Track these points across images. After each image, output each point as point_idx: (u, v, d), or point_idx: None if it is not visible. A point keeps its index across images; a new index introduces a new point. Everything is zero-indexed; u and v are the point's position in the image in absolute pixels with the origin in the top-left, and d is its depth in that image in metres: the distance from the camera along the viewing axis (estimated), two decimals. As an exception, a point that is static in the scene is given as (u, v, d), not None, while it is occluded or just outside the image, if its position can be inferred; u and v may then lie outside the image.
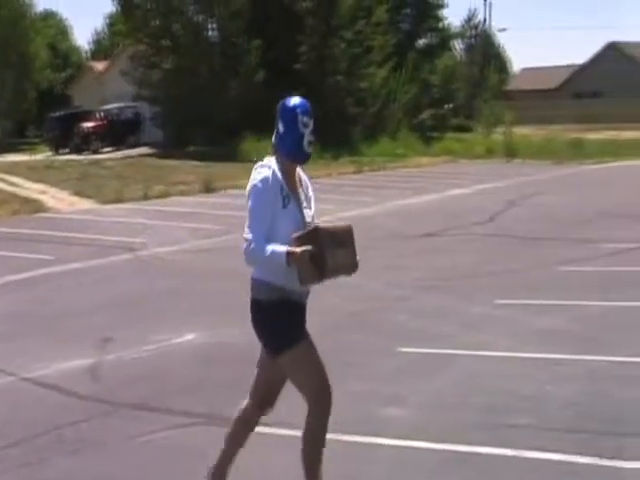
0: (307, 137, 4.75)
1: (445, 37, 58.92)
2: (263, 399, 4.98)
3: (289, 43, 39.45)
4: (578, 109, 67.98)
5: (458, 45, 75.08)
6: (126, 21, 44.73)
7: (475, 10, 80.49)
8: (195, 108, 38.79)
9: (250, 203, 4.67)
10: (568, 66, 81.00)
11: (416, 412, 6.58)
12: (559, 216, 17.70)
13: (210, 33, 42.54)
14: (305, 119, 4.75)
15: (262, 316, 4.78)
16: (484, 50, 72.44)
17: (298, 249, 4.54)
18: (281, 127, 4.76)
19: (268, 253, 4.56)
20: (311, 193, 4.95)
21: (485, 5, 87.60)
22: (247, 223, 4.65)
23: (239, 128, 35.79)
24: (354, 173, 30.19)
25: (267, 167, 4.74)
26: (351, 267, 4.75)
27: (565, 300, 10.00)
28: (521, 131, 41.50)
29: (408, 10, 53.83)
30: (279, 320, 4.74)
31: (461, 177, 27.82)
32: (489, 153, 37.22)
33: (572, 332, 8.65)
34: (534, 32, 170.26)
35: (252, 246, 4.58)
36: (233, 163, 30.78)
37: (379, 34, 42.48)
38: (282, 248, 4.55)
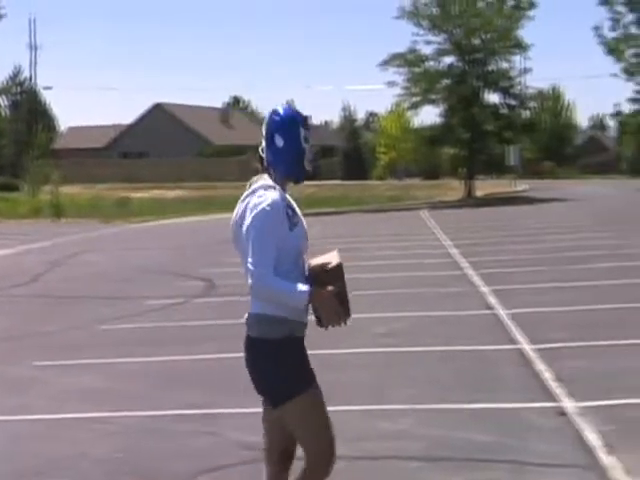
0: (308, 153, 4.31)
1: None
2: (282, 453, 4.38)
3: None
4: (125, 168, 69.40)
5: (3, 102, 73.68)
6: None
7: (20, 67, 79.02)
8: None
9: (256, 229, 4.15)
10: (115, 125, 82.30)
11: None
12: (103, 274, 17.80)
13: None
14: (307, 133, 4.30)
15: (268, 358, 4.21)
16: (30, 107, 71.64)
17: (325, 290, 4.11)
18: (279, 141, 4.26)
19: (283, 289, 4.11)
20: (298, 212, 4.42)
21: (31, 62, 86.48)
22: (251, 251, 4.13)
23: None
24: None
25: (272, 188, 4.23)
26: None
27: (106, 358, 10.02)
28: (69, 190, 41.41)
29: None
30: (290, 361, 4.21)
31: (5, 237, 27.06)
32: (36, 213, 36.66)
33: (111, 390, 8.71)
34: (79, 91, 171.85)
35: (261, 278, 4.10)
36: None
37: None
38: (303, 287, 4.10)
